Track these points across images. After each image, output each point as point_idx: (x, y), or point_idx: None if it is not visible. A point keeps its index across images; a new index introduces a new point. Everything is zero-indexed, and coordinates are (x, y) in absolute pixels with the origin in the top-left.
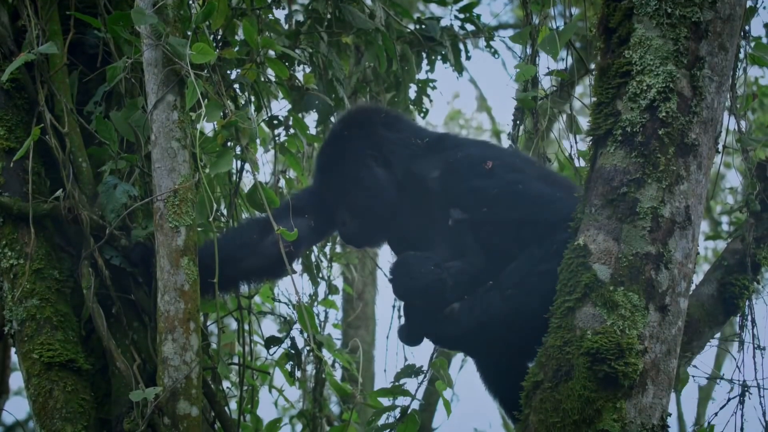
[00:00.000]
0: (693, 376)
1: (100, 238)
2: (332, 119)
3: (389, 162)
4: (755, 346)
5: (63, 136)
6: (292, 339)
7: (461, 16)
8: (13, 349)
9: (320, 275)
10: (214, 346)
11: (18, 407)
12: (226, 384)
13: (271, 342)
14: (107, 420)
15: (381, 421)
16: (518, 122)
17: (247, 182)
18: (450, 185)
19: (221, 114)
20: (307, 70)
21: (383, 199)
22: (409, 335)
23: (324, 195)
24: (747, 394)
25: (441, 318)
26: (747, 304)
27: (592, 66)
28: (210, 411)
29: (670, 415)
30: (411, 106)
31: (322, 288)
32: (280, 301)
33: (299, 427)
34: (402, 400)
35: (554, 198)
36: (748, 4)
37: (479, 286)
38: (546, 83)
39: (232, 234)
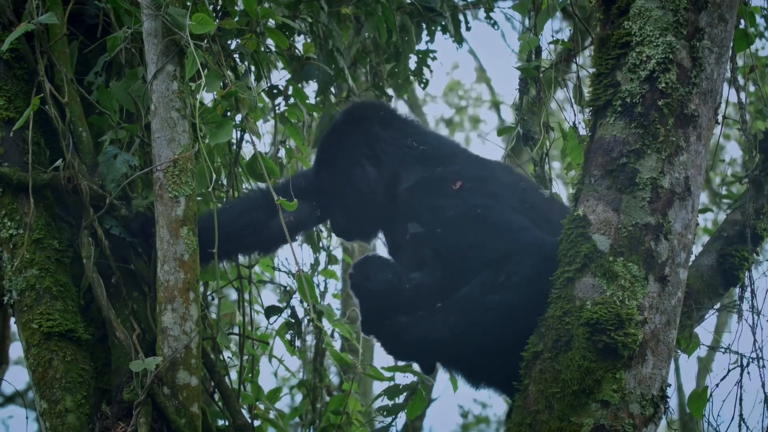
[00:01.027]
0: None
1: (100, 208)
2: (332, 89)
3: (380, 161)
4: (753, 316)
5: (63, 106)
6: (292, 308)
7: None
8: (12, 319)
9: (320, 245)
10: (213, 316)
11: (18, 377)
12: (226, 354)
13: (271, 312)
14: (107, 389)
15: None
16: (522, 92)
17: (247, 152)
18: (414, 198)
19: (221, 84)
20: (307, 40)
21: (370, 199)
22: (366, 332)
23: (318, 184)
24: (746, 366)
25: (387, 327)
26: (747, 275)
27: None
28: (210, 381)
29: (669, 385)
30: (411, 77)
31: (322, 258)
32: (280, 270)
33: (299, 397)
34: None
35: (514, 227)
36: None
37: (440, 300)
38: (547, 53)
39: (238, 211)
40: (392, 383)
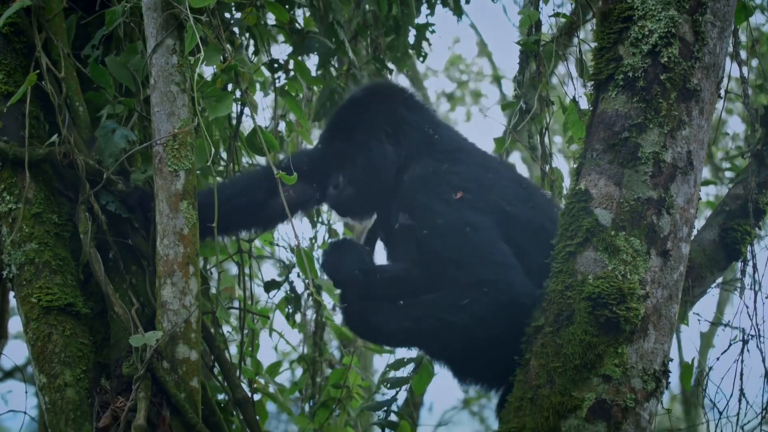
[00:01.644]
0: (699, 319)
1: (97, 183)
2: (333, 62)
3: (399, 142)
4: (755, 291)
5: (60, 80)
6: (291, 283)
7: None
8: (11, 294)
9: (319, 220)
10: (213, 290)
11: (17, 352)
12: (226, 328)
13: (270, 286)
14: (106, 364)
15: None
16: (523, 67)
17: (247, 126)
18: (413, 190)
19: (220, 58)
20: (307, 13)
21: (383, 176)
22: (341, 306)
23: (325, 155)
24: (748, 341)
25: (353, 307)
26: (749, 249)
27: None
28: (209, 355)
29: (671, 360)
30: (410, 51)
31: (322, 232)
32: (279, 246)
33: (299, 371)
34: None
35: (496, 260)
36: None
37: (411, 295)
38: (548, 27)
39: (238, 189)
40: (393, 356)
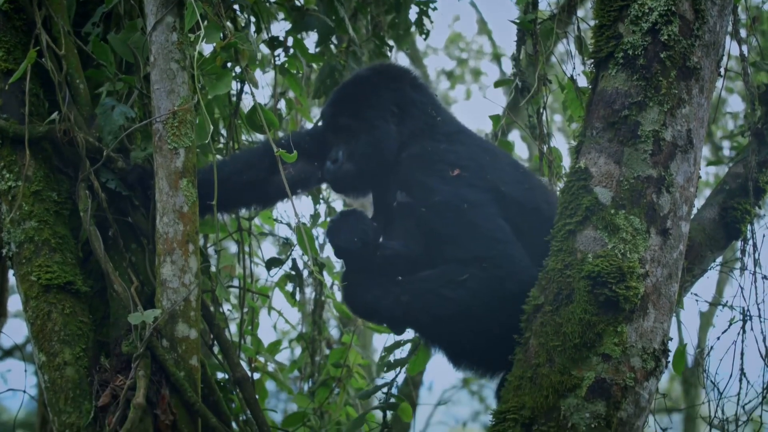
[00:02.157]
0: (698, 300)
1: (97, 161)
2: (332, 40)
3: (403, 122)
4: (755, 270)
5: (60, 58)
6: (293, 261)
7: None
8: (11, 272)
9: (320, 197)
10: (213, 268)
11: (16, 330)
12: (226, 307)
13: (271, 264)
14: (105, 342)
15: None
16: (520, 45)
17: (247, 104)
18: (410, 168)
19: (220, 35)
20: None
21: (385, 155)
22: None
23: (326, 131)
24: (745, 322)
25: (350, 281)
26: (749, 228)
27: None
28: (209, 334)
29: (671, 339)
30: (411, 28)
31: (322, 210)
32: (280, 222)
33: (299, 350)
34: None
35: (494, 236)
36: None
37: (411, 271)
38: (546, 5)
39: (239, 166)
40: (392, 337)
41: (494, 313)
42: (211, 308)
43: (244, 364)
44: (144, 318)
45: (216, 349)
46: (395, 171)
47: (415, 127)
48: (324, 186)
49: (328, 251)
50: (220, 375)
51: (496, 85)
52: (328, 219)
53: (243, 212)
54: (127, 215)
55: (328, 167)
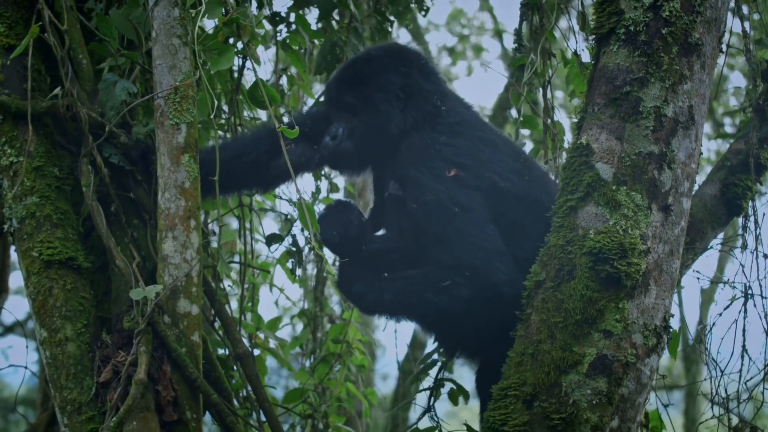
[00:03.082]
0: (699, 278)
1: (100, 136)
2: (334, 16)
3: (407, 109)
4: (756, 247)
5: (62, 33)
6: (294, 236)
7: None
8: (12, 248)
9: (321, 173)
10: (214, 244)
11: (17, 306)
12: (227, 282)
13: (272, 239)
14: (107, 318)
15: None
16: (522, 19)
17: (249, 80)
18: (407, 160)
19: (222, 11)
20: None
21: (384, 139)
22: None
23: (329, 106)
24: (750, 296)
25: (341, 267)
26: (750, 204)
27: None
28: (210, 310)
29: (672, 315)
30: (412, 5)
31: (324, 186)
32: (281, 198)
33: (299, 327)
34: None
35: (483, 245)
36: None
37: (399, 264)
38: None
39: (241, 149)
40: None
41: (473, 318)
42: (213, 284)
43: (244, 341)
44: (144, 293)
45: (217, 325)
46: (392, 160)
47: (418, 117)
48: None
49: None
50: (221, 351)
51: (514, 63)
52: (330, 195)
53: (245, 193)
54: (130, 191)
55: (326, 142)
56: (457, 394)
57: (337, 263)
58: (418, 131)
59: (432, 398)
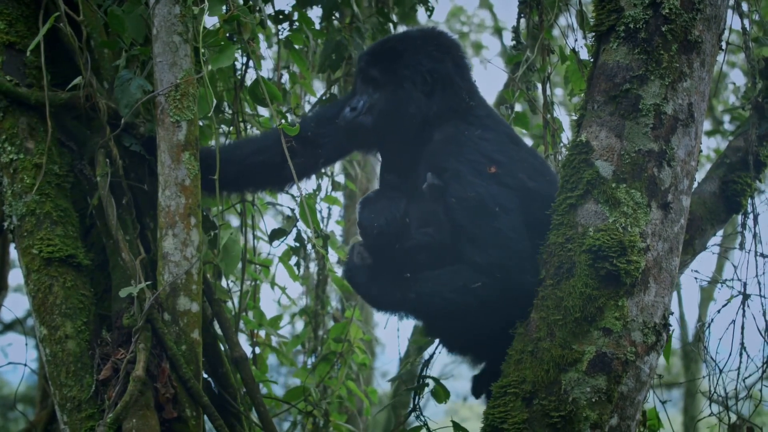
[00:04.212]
0: (697, 277)
1: (116, 127)
2: (336, 15)
3: (433, 95)
4: (756, 245)
5: (79, 25)
6: (297, 231)
7: None
8: (12, 245)
9: (323, 170)
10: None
11: (17, 304)
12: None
13: (275, 235)
14: (107, 316)
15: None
16: (520, 16)
17: (251, 77)
18: (443, 150)
19: (224, 8)
20: None
21: (404, 120)
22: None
23: (357, 77)
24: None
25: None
26: (749, 201)
27: None
28: (209, 310)
29: (672, 313)
30: (418, 6)
31: (325, 184)
32: (285, 192)
33: (299, 325)
34: None
35: (517, 246)
36: None
37: (429, 261)
38: None
39: (256, 148)
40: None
41: (494, 318)
42: (213, 282)
43: (245, 337)
44: (132, 290)
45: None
46: (423, 149)
47: (446, 107)
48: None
49: (332, 225)
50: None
51: (511, 60)
52: (331, 193)
53: (259, 192)
54: (143, 183)
55: (346, 114)
56: (440, 392)
57: (348, 253)
58: (449, 122)
59: (417, 398)
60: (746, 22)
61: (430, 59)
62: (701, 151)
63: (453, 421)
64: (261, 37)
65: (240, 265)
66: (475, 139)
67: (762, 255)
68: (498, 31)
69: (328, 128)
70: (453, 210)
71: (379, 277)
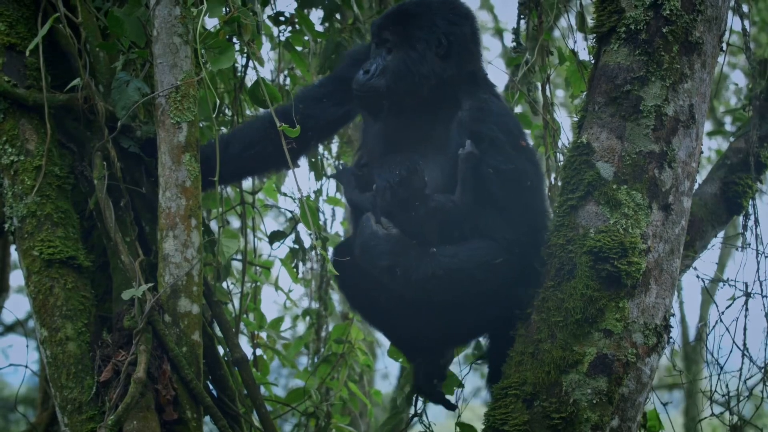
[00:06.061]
0: (699, 276)
1: (114, 129)
2: (337, 16)
3: (448, 58)
4: (758, 247)
5: (77, 26)
6: (297, 233)
7: None
8: (13, 247)
9: (323, 173)
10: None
11: (18, 306)
12: (229, 281)
13: (275, 237)
14: (107, 317)
15: None
16: (520, 17)
17: (252, 78)
18: (478, 118)
19: (224, 9)
20: None
21: (416, 81)
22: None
23: (372, 41)
24: (750, 295)
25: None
26: (750, 203)
27: None
28: (208, 312)
29: (673, 315)
30: None
31: (327, 185)
32: (285, 195)
33: (300, 327)
34: None
35: (535, 221)
36: None
37: (452, 226)
38: None
39: (248, 141)
40: None
41: (510, 294)
42: (213, 284)
43: (246, 339)
44: (133, 292)
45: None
46: (459, 118)
47: (461, 72)
48: (329, 160)
49: (336, 227)
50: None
51: (509, 63)
52: (335, 194)
53: (257, 179)
54: (141, 185)
55: (359, 77)
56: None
57: (363, 225)
58: (473, 89)
59: (417, 402)
60: (747, 23)
61: (446, 22)
62: (702, 152)
63: (458, 423)
64: (264, 39)
65: (240, 266)
66: (504, 111)
67: (765, 255)
68: (499, 33)
69: (315, 109)
70: (489, 180)
71: (407, 249)
